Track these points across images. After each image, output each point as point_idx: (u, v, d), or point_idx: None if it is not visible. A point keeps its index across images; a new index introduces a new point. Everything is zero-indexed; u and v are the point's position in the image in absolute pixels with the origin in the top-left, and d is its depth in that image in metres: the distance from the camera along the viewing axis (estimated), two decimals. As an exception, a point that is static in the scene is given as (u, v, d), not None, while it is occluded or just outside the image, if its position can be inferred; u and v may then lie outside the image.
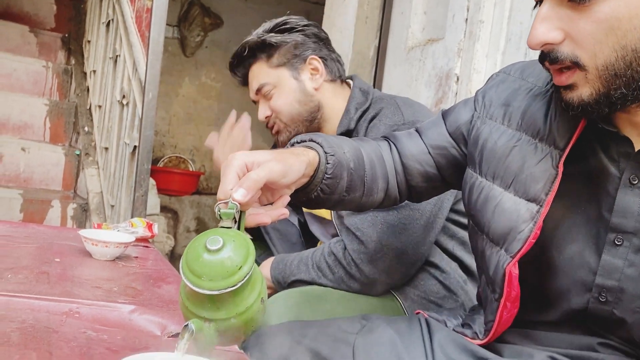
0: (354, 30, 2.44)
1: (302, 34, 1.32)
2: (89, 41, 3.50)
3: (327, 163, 0.80)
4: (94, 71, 3.24)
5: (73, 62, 3.67)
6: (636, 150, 0.70)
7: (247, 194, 0.66)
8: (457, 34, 1.97)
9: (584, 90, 0.66)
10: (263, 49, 1.31)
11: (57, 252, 1.16)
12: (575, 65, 0.66)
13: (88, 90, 3.38)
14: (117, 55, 2.71)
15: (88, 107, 3.31)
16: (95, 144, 3.10)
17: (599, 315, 0.74)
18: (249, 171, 0.70)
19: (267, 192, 0.76)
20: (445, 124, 0.93)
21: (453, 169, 0.92)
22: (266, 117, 1.35)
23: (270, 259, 1.30)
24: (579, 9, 0.63)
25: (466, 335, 0.87)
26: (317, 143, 0.83)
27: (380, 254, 1.13)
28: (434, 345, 0.86)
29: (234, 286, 0.60)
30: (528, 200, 0.76)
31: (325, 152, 0.81)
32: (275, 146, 1.49)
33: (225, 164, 0.70)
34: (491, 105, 0.85)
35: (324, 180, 0.81)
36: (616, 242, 0.71)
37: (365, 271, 1.14)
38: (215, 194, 1.16)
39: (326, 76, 1.33)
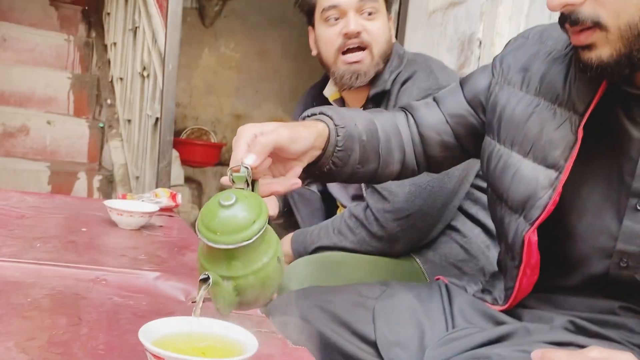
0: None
1: None
2: (108, 13, 3.51)
3: (337, 135, 0.80)
4: (115, 43, 3.26)
5: (94, 34, 3.69)
6: None
7: (257, 159, 0.67)
8: (479, -5, 1.92)
9: (604, 51, 0.65)
10: None
11: (84, 222, 1.19)
12: (596, 25, 0.64)
13: (109, 62, 3.40)
14: (136, 27, 2.71)
15: (110, 80, 3.34)
16: (118, 117, 3.13)
17: (619, 280, 0.74)
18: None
19: (279, 165, 0.76)
20: (463, 92, 0.92)
21: (472, 138, 0.91)
22: (358, 33, 1.22)
23: (290, 235, 1.32)
24: None
25: (486, 301, 0.88)
26: (328, 116, 0.82)
27: (405, 214, 1.15)
28: (453, 310, 0.87)
29: (248, 240, 0.61)
30: (547, 166, 0.75)
31: (336, 125, 0.81)
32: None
33: (236, 137, 0.71)
34: (509, 70, 0.84)
35: (335, 153, 0.80)
36: (638, 207, 0.70)
37: (388, 229, 1.16)
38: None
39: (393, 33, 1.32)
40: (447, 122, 0.91)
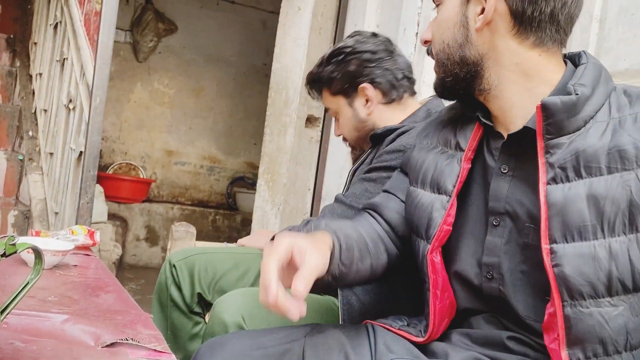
0: (307, 40, 2.46)
1: (357, 60, 1.31)
2: (35, 43, 3.40)
3: (339, 239, 0.85)
4: (40, 74, 3.15)
5: (18, 64, 3.55)
6: (503, 141, 0.83)
7: (304, 291, 0.70)
8: (408, 47, 2.02)
9: (435, 77, 0.88)
10: (321, 79, 1.37)
11: (-10, 260, 1.11)
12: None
13: (33, 93, 3.27)
14: (64, 59, 2.64)
15: (33, 111, 3.21)
16: (39, 149, 3.00)
17: (490, 295, 0.83)
18: (292, 256, 0.73)
19: (289, 278, 0.75)
20: (403, 174, 1.02)
21: None
22: (338, 135, 1.45)
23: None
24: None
25: (411, 334, 0.91)
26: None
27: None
28: (377, 344, 0.89)
29: None
30: (440, 193, 0.87)
31: (335, 233, 0.86)
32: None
33: (269, 250, 0.72)
34: (420, 138, 0.99)
35: (341, 255, 0.85)
36: (494, 223, 0.83)
37: None
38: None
39: (381, 99, 1.33)
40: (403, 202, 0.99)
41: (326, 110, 1.46)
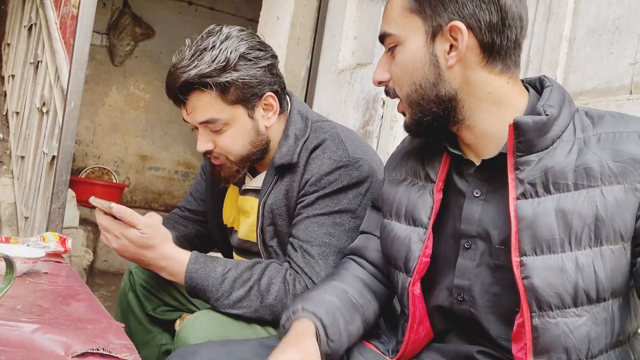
0: (286, 50, 2.47)
1: (258, 67, 1.16)
2: (8, 44, 3.34)
3: (324, 329, 0.86)
4: (13, 76, 3.09)
5: (-10, 64, 3.49)
6: (475, 167, 0.85)
7: None
8: (384, 60, 2.04)
9: (406, 116, 0.88)
10: (218, 82, 1.12)
11: (-42, 266, 1.09)
12: (398, 96, 0.87)
13: (5, 95, 3.21)
14: (38, 61, 2.60)
15: (4, 113, 3.15)
16: (10, 152, 2.94)
17: (462, 316, 0.85)
18: None
19: None
20: (376, 211, 1.03)
21: None
22: (207, 151, 1.19)
23: (185, 255, 1.14)
24: (392, 57, 0.86)
25: (379, 350, 0.94)
26: (315, 315, 0.87)
27: None
28: (352, 350, 0.92)
29: None
30: (415, 226, 0.89)
31: (322, 323, 0.86)
32: (205, 167, 1.39)
33: None
34: (388, 171, 1.00)
35: (329, 339, 0.86)
36: (466, 245, 0.85)
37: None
38: (140, 207, 1.13)
39: (278, 111, 1.21)
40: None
41: (203, 123, 1.16)
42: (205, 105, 1.14)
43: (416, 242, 0.87)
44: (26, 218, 2.44)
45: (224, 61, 1.12)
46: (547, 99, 0.80)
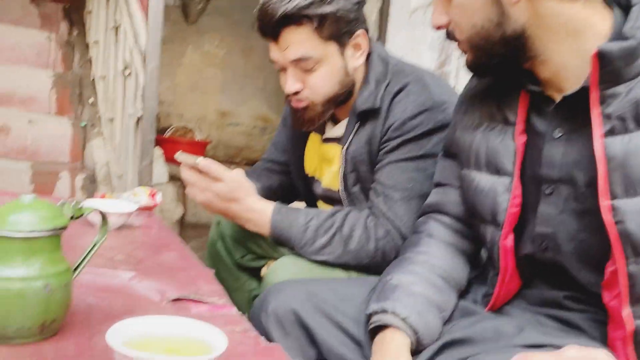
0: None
1: (352, 2, 1.13)
2: (89, 12, 3.48)
3: (417, 334, 0.83)
4: (96, 42, 3.23)
5: (75, 33, 3.65)
6: (557, 103, 0.78)
7: None
8: None
9: (468, 57, 0.83)
10: (316, 13, 1.09)
11: (62, 222, 1.18)
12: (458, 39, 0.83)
13: (91, 61, 3.37)
14: (118, 26, 2.70)
15: (92, 79, 3.31)
16: (100, 115, 3.11)
17: (546, 264, 0.81)
18: None
19: None
20: (449, 159, 0.98)
21: None
22: (296, 92, 1.16)
23: (269, 206, 1.17)
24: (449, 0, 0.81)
25: (467, 299, 0.93)
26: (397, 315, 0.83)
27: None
28: None
29: None
30: (499, 175, 0.83)
31: (421, 340, 0.83)
32: (286, 117, 1.38)
33: None
34: (458, 117, 0.95)
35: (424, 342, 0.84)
36: (546, 192, 0.79)
37: (388, 261, 1.04)
38: (223, 162, 1.16)
39: (367, 51, 1.18)
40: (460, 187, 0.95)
41: (294, 61, 1.13)
42: (300, 40, 1.11)
43: (502, 194, 0.82)
44: (119, 176, 2.59)
45: None
46: (636, 19, 0.71)
